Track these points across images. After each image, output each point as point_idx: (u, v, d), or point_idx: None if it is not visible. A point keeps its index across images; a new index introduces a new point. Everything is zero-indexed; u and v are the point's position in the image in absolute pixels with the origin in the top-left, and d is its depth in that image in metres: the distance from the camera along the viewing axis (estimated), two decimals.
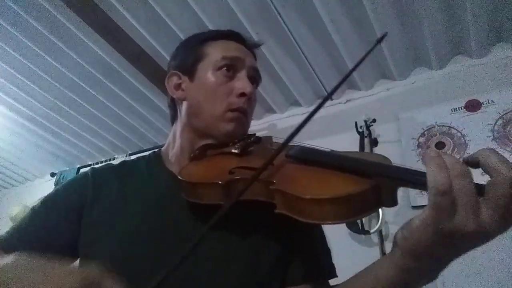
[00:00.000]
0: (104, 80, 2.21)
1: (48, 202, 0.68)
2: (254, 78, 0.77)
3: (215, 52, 0.73)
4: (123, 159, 2.68)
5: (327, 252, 0.72)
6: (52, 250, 0.62)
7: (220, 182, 0.55)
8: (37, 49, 2.01)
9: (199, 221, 0.62)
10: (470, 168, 0.41)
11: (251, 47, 0.80)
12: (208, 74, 0.72)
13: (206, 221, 0.59)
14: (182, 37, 1.78)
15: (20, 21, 1.85)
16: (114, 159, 2.85)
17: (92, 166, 0.75)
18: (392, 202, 0.48)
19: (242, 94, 0.70)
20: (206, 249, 0.59)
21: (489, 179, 0.39)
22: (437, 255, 0.43)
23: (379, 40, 0.66)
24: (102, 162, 2.85)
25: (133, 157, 0.90)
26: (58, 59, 2.08)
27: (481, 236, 0.39)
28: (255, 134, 0.75)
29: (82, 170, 2.97)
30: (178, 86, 0.76)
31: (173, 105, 0.79)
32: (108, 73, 2.17)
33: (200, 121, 0.72)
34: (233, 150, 0.67)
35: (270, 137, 0.75)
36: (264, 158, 0.55)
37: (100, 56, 2.02)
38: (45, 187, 3.22)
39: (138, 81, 2.18)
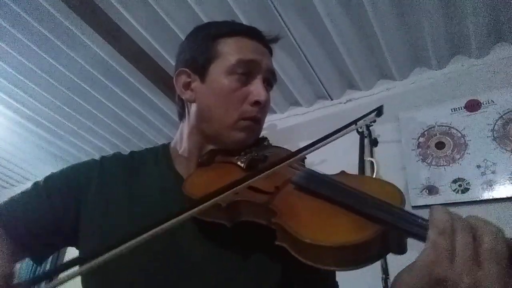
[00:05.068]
0: (104, 80, 2.21)
1: (50, 180, 0.66)
2: (269, 81, 0.72)
3: (230, 53, 0.67)
4: None
5: (330, 275, 0.68)
6: (47, 228, 0.61)
7: (221, 204, 0.53)
8: (37, 49, 2.01)
9: (200, 231, 0.60)
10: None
11: (269, 42, 0.73)
12: (221, 77, 0.66)
13: (207, 232, 0.58)
14: (182, 37, 1.78)
15: (20, 21, 1.85)
16: None
17: (102, 155, 0.73)
18: (400, 250, 0.45)
19: (257, 103, 0.66)
20: (206, 269, 0.57)
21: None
22: None
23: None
24: None
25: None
26: (58, 59, 2.08)
27: None
28: (266, 139, 0.73)
29: None
30: (187, 85, 0.71)
31: (181, 103, 0.75)
32: (108, 73, 2.16)
33: (210, 127, 0.68)
34: (239, 163, 0.64)
35: (279, 148, 0.72)
36: (271, 176, 0.52)
37: (100, 56, 2.02)
38: None
39: (138, 81, 2.17)
